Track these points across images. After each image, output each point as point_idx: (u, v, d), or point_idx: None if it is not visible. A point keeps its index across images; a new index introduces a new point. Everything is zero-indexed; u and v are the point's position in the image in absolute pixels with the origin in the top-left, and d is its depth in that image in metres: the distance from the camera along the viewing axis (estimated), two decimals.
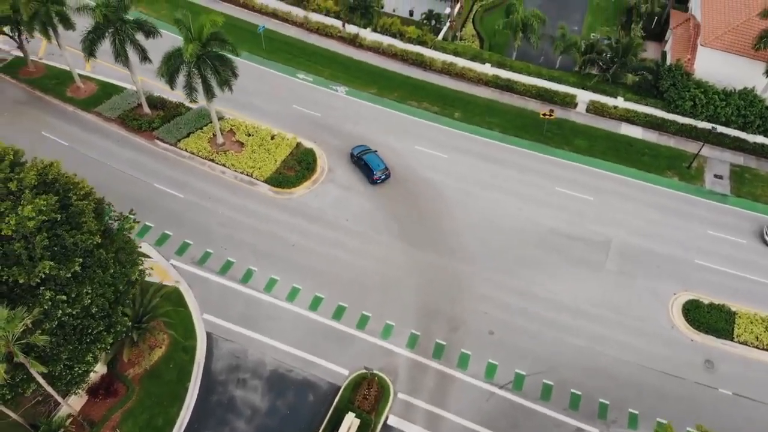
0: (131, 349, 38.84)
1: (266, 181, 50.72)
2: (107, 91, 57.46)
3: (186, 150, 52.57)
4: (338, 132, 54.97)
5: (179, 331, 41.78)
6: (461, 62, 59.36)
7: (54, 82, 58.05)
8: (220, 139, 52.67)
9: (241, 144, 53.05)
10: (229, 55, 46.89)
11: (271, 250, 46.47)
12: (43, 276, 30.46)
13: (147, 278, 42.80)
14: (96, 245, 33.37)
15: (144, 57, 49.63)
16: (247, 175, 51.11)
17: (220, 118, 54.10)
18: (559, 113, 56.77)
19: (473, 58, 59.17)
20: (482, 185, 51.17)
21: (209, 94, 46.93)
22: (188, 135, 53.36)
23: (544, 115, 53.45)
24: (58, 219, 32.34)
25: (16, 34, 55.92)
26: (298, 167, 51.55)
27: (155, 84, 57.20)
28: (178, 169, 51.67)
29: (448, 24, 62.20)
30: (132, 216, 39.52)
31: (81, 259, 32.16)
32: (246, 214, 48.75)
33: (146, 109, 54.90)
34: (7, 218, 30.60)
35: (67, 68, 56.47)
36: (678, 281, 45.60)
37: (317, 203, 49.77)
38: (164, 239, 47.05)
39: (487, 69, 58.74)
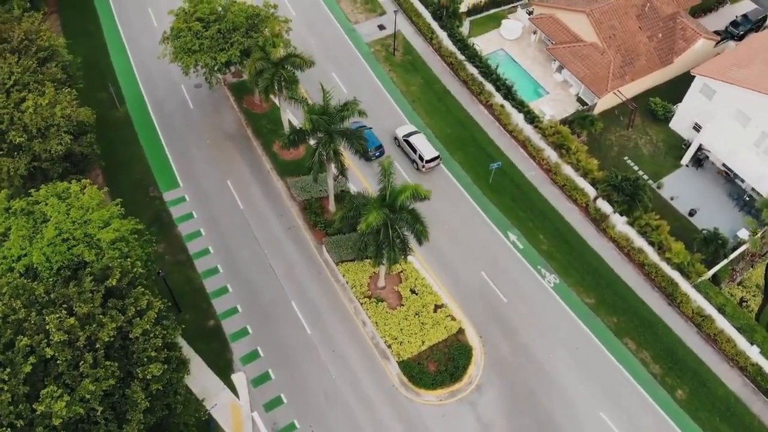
0: None
1: (401, 363, 41.47)
2: None
3: (344, 276, 45.18)
4: (517, 338, 43.14)
5: None
6: (721, 322, 42.84)
7: (269, 127, 54.07)
8: (381, 282, 44.29)
9: (400, 298, 44.12)
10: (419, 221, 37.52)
11: None
12: None
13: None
14: None
15: (341, 173, 42.51)
16: (385, 344, 42.30)
17: None
18: None
19: (740, 328, 42.29)
20: None
21: (377, 258, 38.32)
22: (354, 260, 45.80)
23: None
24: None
25: None
26: (443, 365, 41.37)
27: (359, 178, 50.54)
28: (325, 294, 44.66)
29: (738, 255, 45.39)
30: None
31: None
32: (356, 395, 40.30)
33: (331, 206, 48.32)
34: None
35: (288, 121, 51.87)
36: None
37: (440, 430, 39.32)
38: (263, 380, 40.76)
39: (753, 352, 41.58)
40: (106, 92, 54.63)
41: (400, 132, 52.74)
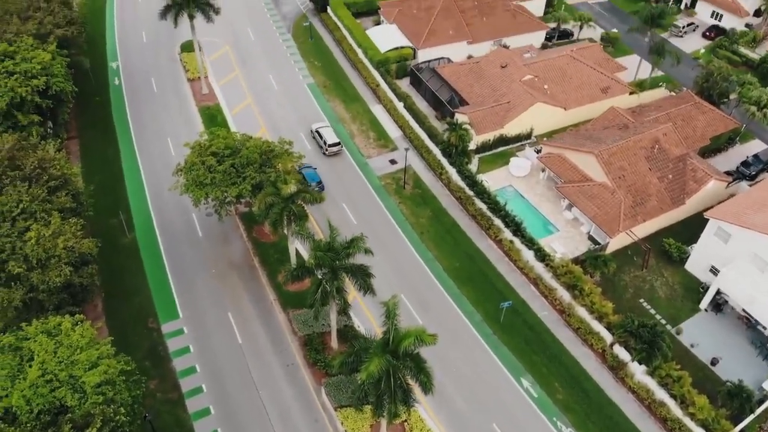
0: None
1: None
2: None
3: (342, 424, 42.15)
4: None
5: None
6: None
7: (277, 257, 53.41)
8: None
9: None
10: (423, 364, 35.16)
11: None
12: None
13: None
14: None
15: (343, 311, 41.02)
16: None
17: None
18: None
19: None
20: None
21: (378, 410, 35.67)
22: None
23: None
24: None
25: None
26: None
27: (364, 311, 48.82)
28: None
29: (764, 410, 41.95)
30: None
31: None
32: None
33: (333, 343, 46.30)
34: None
35: (295, 251, 50.98)
36: None
37: None
38: None
39: None
40: (117, 218, 54.76)
41: (314, 126, 65.62)
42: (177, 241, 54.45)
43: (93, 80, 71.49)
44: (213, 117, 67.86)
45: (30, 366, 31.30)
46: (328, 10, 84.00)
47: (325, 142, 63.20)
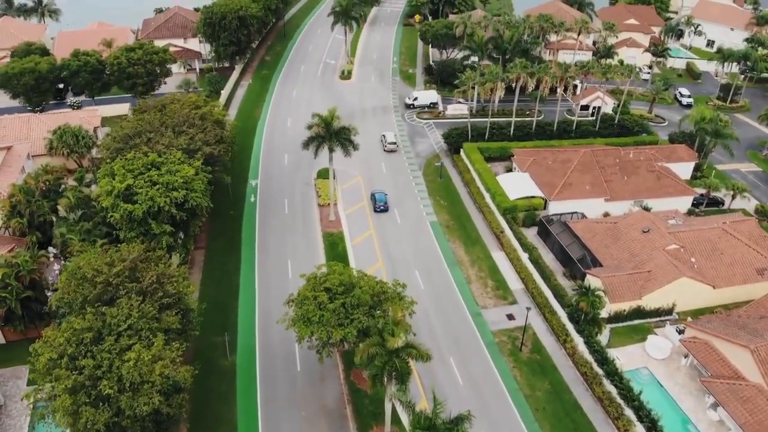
0: None
1: None
2: None
3: None
4: None
5: None
6: None
7: (371, 409, 49.48)
8: None
9: None
10: None
11: None
12: None
13: None
14: None
15: None
16: None
17: None
18: None
19: None
20: None
21: None
22: None
23: None
24: None
25: None
26: None
27: None
28: None
29: None
30: None
31: None
32: None
33: None
34: None
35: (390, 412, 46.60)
36: None
37: None
38: None
39: None
40: (222, 338, 53.82)
41: (383, 132, 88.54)
42: (274, 371, 52.19)
43: (231, 194, 74.91)
44: (335, 244, 67.70)
45: None
46: (461, 152, 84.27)
47: (386, 141, 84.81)
